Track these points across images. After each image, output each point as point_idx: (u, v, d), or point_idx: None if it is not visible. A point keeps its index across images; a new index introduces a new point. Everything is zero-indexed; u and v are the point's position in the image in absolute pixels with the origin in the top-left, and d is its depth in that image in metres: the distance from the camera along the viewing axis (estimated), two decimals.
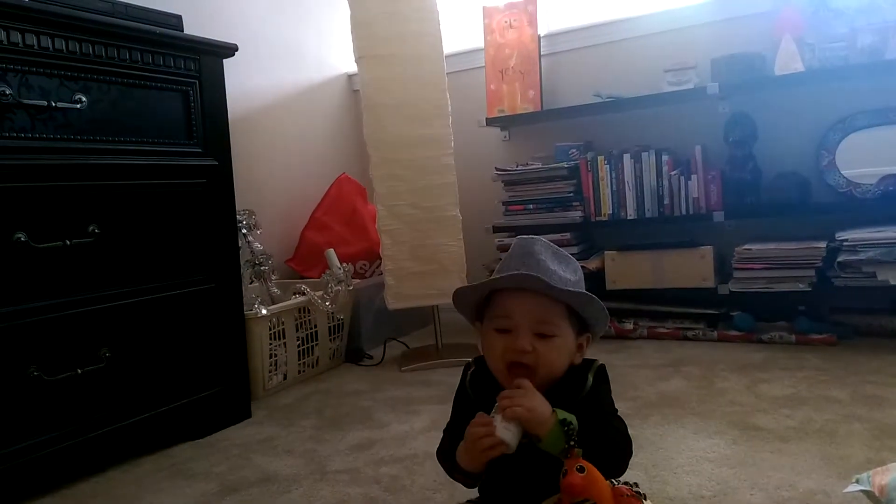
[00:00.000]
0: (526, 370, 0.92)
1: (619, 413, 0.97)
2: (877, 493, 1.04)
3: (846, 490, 1.09)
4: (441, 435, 1.03)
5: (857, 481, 1.08)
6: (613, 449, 0.91)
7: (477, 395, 1.00)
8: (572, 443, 0.85)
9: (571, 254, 1.03)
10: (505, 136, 2.94)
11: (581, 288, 0.96)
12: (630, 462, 0.94)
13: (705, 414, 1.64)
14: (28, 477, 1.42)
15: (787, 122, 2.41)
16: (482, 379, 1.00)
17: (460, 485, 1.01)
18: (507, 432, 0.86)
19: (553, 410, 0.87)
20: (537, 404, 0.87)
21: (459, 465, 0.94)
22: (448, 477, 1.01)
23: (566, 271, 0.95)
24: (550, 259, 0.95)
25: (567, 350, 0.95)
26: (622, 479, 0.98)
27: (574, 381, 0.95)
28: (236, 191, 1.89)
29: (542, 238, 0.99)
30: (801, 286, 2.18)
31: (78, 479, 1.52)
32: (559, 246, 1.01)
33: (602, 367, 0.98)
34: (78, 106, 1.51)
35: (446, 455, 0.99)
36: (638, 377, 1.97)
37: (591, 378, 0.96)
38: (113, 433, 1.56)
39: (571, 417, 0.87)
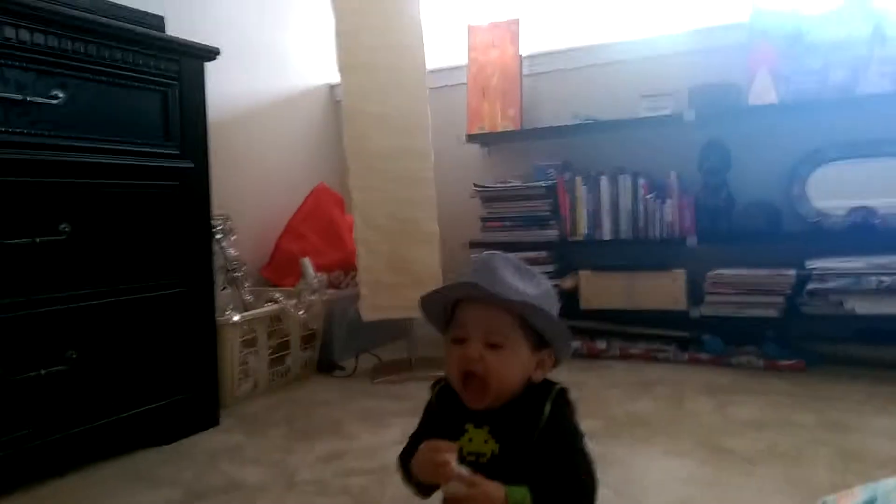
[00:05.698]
0: (478, 380, 0.92)
1: (585, 441, 0.94)
2: None
3: None
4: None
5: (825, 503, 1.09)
6: (569, 500, 0.89)
7: (442, 408, 1.00)
8: None
9: (546, 272, 1.04)
10: (485, 153, 2.96)
11: (548, 304, 0.95)
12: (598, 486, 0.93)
13: (674, 434, 1.65)
14: None
15: (760, 152, 2.46)
16: (447, 394, 1.00)
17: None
18: (457, 485, 0.86)
19: (505, 495, 0.85)
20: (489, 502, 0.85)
21: (413, 473, 0.94)
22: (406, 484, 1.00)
23: (527, 286, 0.94)
24: (510, 273, 0.94)
25: (519, 363, 0.94)
26: None
27: (531, 406, 0.93)
28: (213, 196, 1.87)
29: (509, 255, 0.99)
30: (771, 312, 2.22)
31: (37, 481, 1.48)
32: (534, 264, 1.02)
33: (562, 391, 0.96)
34: (54, 101, 1.49)
35: (405, 461, 0.99)
36: (609, 396, 1.98)
37: (548, 406, 0.93)
38: (76, 436, 1.52)
39: (523, 498, 0.86)
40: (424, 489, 0.97)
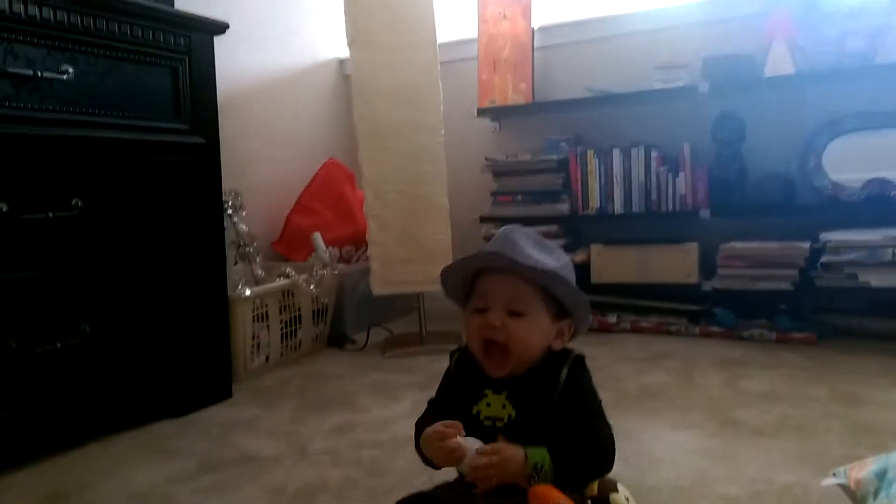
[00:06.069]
0: (500, 348, 0.93)
1: (602, 407, 0.95)
2: (853, 487, 1.05)
3: (823, 483, 1.10)
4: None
5: (834, 475, 1.09)
6: (589, 460, 0.90)
7: (460, 376, 1.00)
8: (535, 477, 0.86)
9: (558, 246, 1.03)
10: (496, 128, 2.94)
11: (566, 276, 0.96)
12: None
13: (685, 407, 1.65)
14: (5, 449, 1.41)
15: (775, 123, 2.42)
16: (466, 362, 1.00)
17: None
18: (472, 461, 0.87)
19: (525, 456, 0.86)
20: (510, 469, 0.85)
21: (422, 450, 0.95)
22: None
23: (546, 258, 0.95)
24: (530, 246, 0.95)
25: (540, 330, 0.95)
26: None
27: (549, 372, 0.95)
28: (223, 171, 1.87)
29: (528, 229, 1.00)
30: (784, 285, 2.20)
31: (55, 452, 1.51)
32: (546, 238, 1.02)
33: (578, 358, 0.97)
34: (64, 77, 1.49)
35: (420, 430, 0.99)
36: (620, 370, 1.98)
37: (564, 372, 0.94)
38: (92, 408, 1.55)
39: (543, 458, 0.86)
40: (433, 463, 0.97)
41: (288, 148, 2.87)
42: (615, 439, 0.92)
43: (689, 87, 2.37)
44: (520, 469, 0.85)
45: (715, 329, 2.32)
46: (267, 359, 2.16)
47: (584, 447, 0.89)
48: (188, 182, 1.76)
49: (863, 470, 1.05)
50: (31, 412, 1.44)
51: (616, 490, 0.95)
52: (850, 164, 2.29)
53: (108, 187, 1.58)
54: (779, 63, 2.25)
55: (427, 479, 1.25)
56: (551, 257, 0.97)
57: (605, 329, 2.46)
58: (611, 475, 0.96)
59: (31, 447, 1.47)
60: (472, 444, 0.89)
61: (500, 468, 0.85)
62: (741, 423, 1.53)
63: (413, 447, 1.01)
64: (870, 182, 2.18)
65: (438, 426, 0.91)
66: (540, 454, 0.86)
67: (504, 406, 0.94)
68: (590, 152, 2.54)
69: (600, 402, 0.96)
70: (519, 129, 2.89)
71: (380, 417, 1.69)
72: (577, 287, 0.96)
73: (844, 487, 1.07)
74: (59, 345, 1.47)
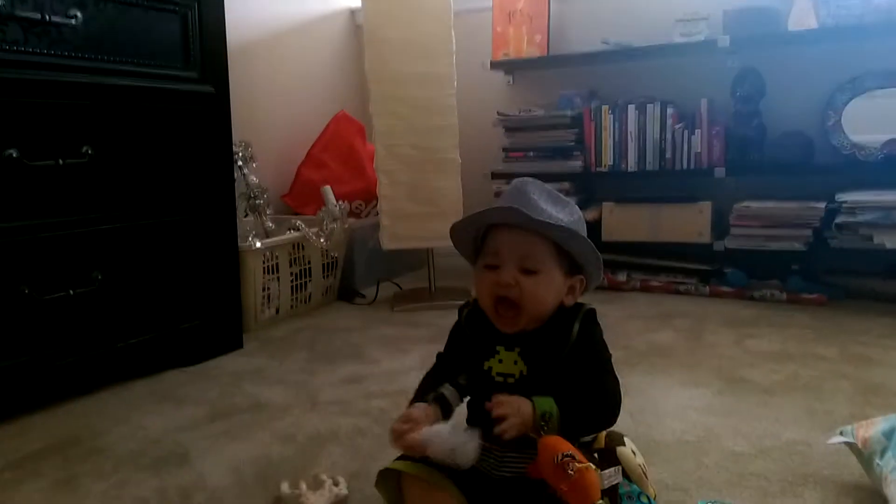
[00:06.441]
0: (511, 305, 0.92)
1: (611, 362, 0.95)
2: (860, 446, 1.05)
3: (830, 441, 1.10)
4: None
5: (841, 433, 1.09)
6: (594, 411, 0.90)
7: (471, 330, 1.00)
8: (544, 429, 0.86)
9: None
10: (509, 81, 2.89)
11: (581, 230, 0.95)
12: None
13: (693, 365, 1.65)
14: (19, 394, 1.43)
15: (795, 80, 2.37)
16: (476, 317, 1.00)
17: None
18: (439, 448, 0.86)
19: (533, 406, 0.86)
20: (519, 421, 0.85)
21: None
22: None
23: (560, 213, 0.94)
24: (543, 199, 0.94)
25: (553, 287, 0.93)
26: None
27: (561, 327, 0.94)
28: (233, 122, 1.85)
29: (541, 182, 0.98)
30: (797, 245, 2.18)
31: (68, 398, 1.53)
32: None
33: (590, 311, 0.97)
34: (72, 21, 1.46)
35: (423, 383, 1.00)
36: (629, 327, 1.98)
37: (577, 326, 0.94)
38: (104, 356, 1.57)
39: (550, 407, 0.86)
40: None
41: (298, 99, 2.83)
42: (622, 393, 0.92)
43: (708, 40, 2.32)
44: (528, 419, 0.85)
45: (725, 289, 2.31)
46: (277, 311, 2.18)
47: (591, 398, 0.89)
48: (198, 131, 1.74)
49: (870, 429, 1.06)
50: (44, 358, 1.46)
51: (623, 443, 0.95)
52: (871, 123, 2.24)
53: (118, 135, 1.57)
54: (803, 17, 2.19)
55: None
56: (564, 211, 0.95)
57: (614, 287, 2.46)
58: (618, 429, 0.97)
59: (44, 393, 1.49)
60: (440, 430, 0.88)
61: (515, 413, 0.85)
62: (749, 381, 1.53)
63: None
64: (889, 142, 2.14)
65: (396, 424, 0.90)
66: (547, 403, 0.86)
67: (516, 362, 0.94)
68: (604, 108, 2.50)
69: (609, 356, 0.95)
70: (533, 83, 2.84)
71: (389, 369, 1.70)
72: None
73: (851, 446, 1.07)
74: (71, 292, 1.48)
